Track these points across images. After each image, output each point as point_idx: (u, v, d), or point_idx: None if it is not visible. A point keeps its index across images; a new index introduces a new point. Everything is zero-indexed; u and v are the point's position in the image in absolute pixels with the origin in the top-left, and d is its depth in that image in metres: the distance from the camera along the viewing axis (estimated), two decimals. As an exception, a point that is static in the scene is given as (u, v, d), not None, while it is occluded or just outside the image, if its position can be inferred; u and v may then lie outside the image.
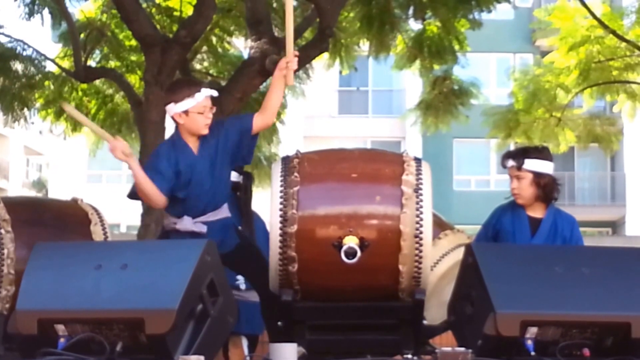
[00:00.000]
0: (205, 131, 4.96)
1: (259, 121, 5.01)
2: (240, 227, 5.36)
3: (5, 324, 4.36)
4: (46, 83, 11.31)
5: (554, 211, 5.29)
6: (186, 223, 4.95)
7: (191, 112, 4.92)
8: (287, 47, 4.96)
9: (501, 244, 5.14)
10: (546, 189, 5.24)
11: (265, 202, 4.70)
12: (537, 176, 5.24)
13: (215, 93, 5.01)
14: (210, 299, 4.21)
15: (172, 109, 4.95)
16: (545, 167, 5.27)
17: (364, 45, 11.95)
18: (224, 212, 5.04)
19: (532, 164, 5.25)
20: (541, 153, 5.36)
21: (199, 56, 11.65)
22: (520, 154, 5.32)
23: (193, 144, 4.99)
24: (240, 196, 5.84)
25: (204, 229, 4.94)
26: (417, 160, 4.62)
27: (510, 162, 5.30)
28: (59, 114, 11.60)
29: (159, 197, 4.85)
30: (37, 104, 11.63)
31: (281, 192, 4.51)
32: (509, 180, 5.33)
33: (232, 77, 9.78)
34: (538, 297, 4.13)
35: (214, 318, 4.21)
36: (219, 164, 4.99)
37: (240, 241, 5.04)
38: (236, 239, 5.02)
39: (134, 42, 10.74)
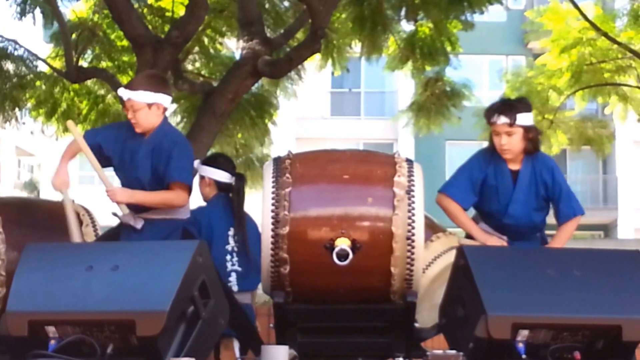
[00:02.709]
0: (135, 129, 5.11)
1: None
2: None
3: (-4, 326, 4.35)
4: (37, 83, 11.27)
5: (530, 158, 5.22)
6: (126, 215, 5.09)
7: None
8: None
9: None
10: (533, 141, 5.19)
11: (257, 203, 4.69)
12: (527, 130, 5.16)
13: (126, 94, 5.11)
14: (202, 300, 4.20)
15: None
16: (531, 119, 5.23)
17: (356, 47, 11.93)
18: (172, 213, 5.13)
19: (523, 119, 5.15)
20: (527, 106, 5.28)
21: (190, 57, 11.61)
22: (512, 110, 5.16)
23: (142, 134, 5.16)
24: (233, 198, 5.82)
25: (138, 225, 5.09)
26: (409, 162, 4.61)
27: (503, 119, 5.13)
28: (50, 114, 11.56)
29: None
30: (29, 104, 11.60)
31: (273, 193, 4.49)
32: (495, 136, 5.17)
33: (224, 77, 9.75)
34: (529, 299, 4.12)
35: (205, 320, 4.19)
36: (157, 163, 5.07)
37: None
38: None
39: (125, 43, 10.70)
